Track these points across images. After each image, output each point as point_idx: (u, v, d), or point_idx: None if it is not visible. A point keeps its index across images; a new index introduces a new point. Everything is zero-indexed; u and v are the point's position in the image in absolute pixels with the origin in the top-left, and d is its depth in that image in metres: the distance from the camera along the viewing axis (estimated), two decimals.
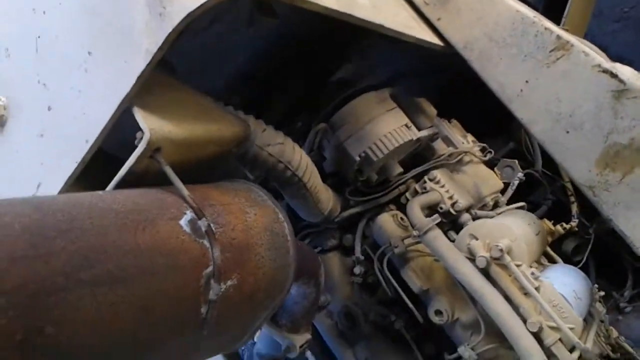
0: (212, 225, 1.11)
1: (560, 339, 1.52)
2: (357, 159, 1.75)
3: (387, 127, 1.75)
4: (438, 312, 1.72)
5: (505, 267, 1.59)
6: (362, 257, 1.91)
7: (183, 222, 1.07)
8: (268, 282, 1.29)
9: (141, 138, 1.09)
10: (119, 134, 1.18)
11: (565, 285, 1.65)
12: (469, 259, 1.61)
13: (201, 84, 1.44)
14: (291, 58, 1.81)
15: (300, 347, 1.72)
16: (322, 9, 1.26)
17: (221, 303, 1.11)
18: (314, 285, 1.65)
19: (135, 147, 1.10)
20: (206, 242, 1.08)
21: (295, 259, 1.36)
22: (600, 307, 1.95)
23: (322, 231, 2.00)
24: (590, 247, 2.35)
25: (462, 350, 1.67)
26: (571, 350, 1.53)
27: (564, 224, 2.24)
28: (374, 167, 1.81)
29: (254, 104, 1.72)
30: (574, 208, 2.39)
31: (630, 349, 2.02)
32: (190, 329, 1.09)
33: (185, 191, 1.13)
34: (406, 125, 1.79)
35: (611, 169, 1.56)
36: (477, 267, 1.59)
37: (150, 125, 1.12)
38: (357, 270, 1.91)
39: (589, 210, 2.38)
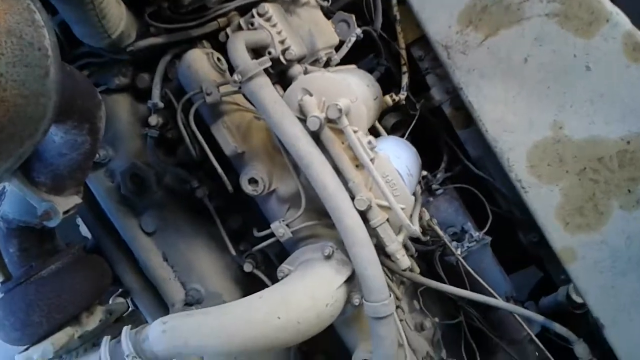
0: None
1: (387, 219, 1.37)
2: None
3: None
4: (252, 181, 1.46)
5: (339, 132, 1.36)
6: (161, 105, 1.54)
7: None
8: (10, 115, 0.88)
9: None
10: None
11: (399, 159, 1.50)
12: (299, 119, 1.34)
13: None
14: None
15: (65, 212, 1.37)
16: None
17: None
18: (89, 132, 1.27)
19: None
20: None
21: (59, 87, 0.95)
22: (418, 188, 1.89)
23: (109, 64, 1.57)
24: (413, 124, 2.27)
25: (276, 226, 1.45)
26: (397, 231, 1.41)
27: (394, 95, 2.09)
28: None
29: None
30: (405, 80, 2.25)
31: (440, 232, 2.02)
32: None
33: None
34: None
35: (474, 27, 1.39)
36: (307, 129, 1.33)
37: None
38: (153, 120, 1.54)
39: (418, 85, 2.29)
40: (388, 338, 1.37)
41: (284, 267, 1.47)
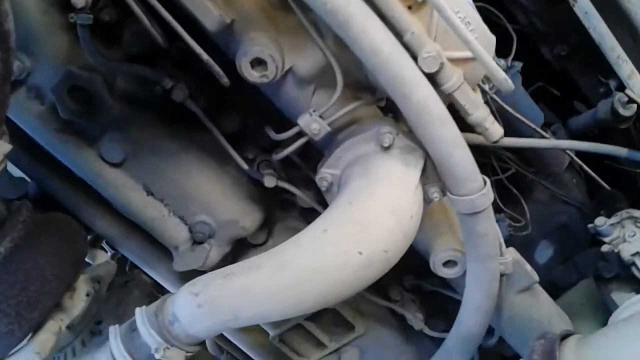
0: None
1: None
2: None
3: None
4: (258, 62, 1.01)
5: None
6: None
7: None
8: None
9: None
10: None
11: None
12: None
13: None
14: None
15: None
16: None
17: None
18: None
19: None
20: None
21: None
22: None
23: None
24: None
25: (307, 121, 1.04)
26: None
27: None
28: None
29: None
30: None
31: None
32: None
33: None
34: None
35: None
36: None
37: None
38: (79, 0, 1.01)
39: None
40: (489, 234, 1.05)
41: (326, 172, 1.08)
